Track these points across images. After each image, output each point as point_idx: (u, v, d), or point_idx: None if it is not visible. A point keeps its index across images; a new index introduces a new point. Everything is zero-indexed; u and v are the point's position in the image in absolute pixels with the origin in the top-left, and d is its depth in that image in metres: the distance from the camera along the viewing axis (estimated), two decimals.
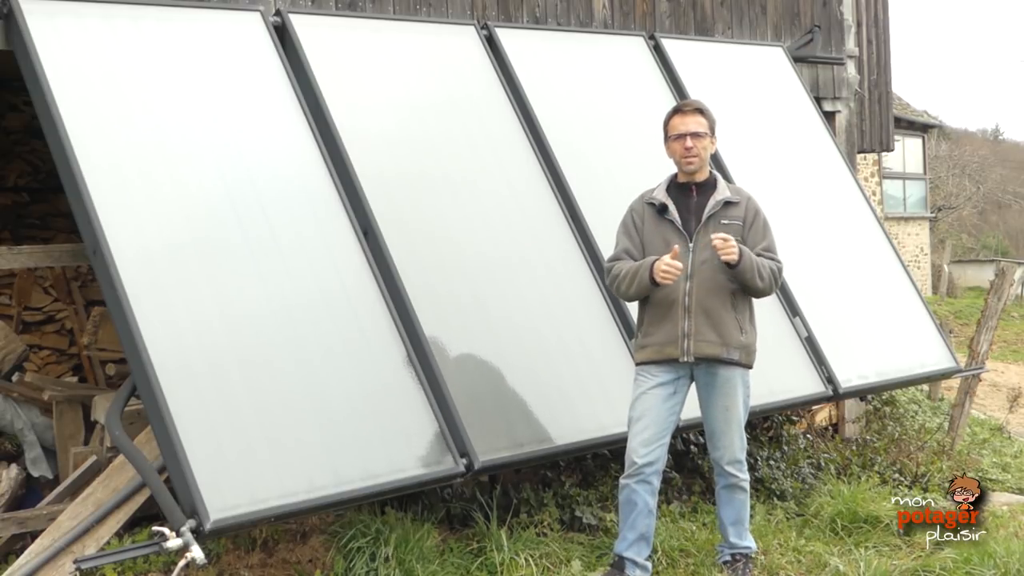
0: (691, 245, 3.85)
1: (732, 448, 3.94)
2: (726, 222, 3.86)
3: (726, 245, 3.71)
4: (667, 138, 3.96)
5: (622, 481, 3.90)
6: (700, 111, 3.93)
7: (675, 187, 3.97)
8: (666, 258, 3.72)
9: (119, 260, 3.57)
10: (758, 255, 3.83)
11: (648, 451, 3.83)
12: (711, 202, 3.89)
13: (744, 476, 3.99)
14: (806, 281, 5.31)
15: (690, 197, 3.93)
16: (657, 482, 3.89)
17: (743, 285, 3.81)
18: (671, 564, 4.24)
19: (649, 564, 3.96)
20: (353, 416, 3.73)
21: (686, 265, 3.81)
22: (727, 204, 3.90)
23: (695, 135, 3.87)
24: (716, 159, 4.75)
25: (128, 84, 3.99)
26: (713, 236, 3.75)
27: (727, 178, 5.08)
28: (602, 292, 4.60)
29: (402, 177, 4.44)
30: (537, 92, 5.06)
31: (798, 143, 6.02)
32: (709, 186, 3.94)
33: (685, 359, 3.81)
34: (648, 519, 3.89)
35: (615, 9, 5.90)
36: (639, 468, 3.83)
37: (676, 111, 3.98)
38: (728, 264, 3.74)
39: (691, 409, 3.98)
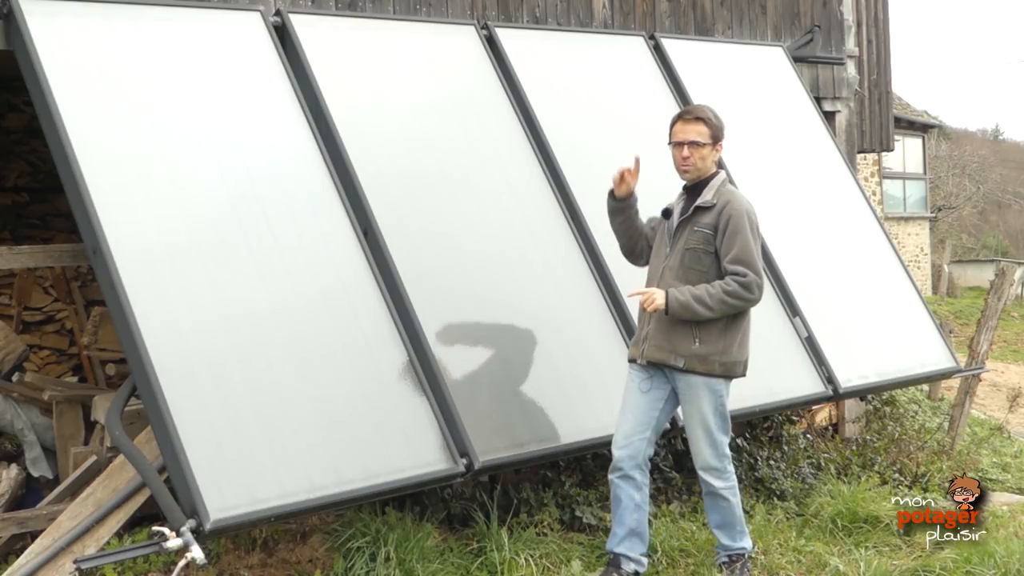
0: (667, 251, 3.89)
1: (702, 455, 3.91)
2: (697, 229, 3.86)
3: (648, 302, 3.75)
4: (670, 142, 3.98)
5: (608, 477, 3.97)
6: (702, 120, 3.89)
7: (684, 189, 4.04)
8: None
9: (119, 260, 3.57)
10: (723, 269, 3.78)
11: (626, 443, 3.89)
12: (690, 208, 3.90)
13: (721, 483, 3.91)
14: (806, 281, 5.31)
15: (684, 200, 3.97)
16: (640, 476, 3.90)
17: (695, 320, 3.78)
18: (671, 564, 4.24)
19: (645, 560, 3.96)
20: (353, 416, 3.73)
21: (659, 268, 3.89)
22: (699, 210, 3.86)
23: (692, 144, 3.87)
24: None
25: (128, 84, 3.99)
26: (639, 297, 3.80)
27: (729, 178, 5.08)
28: (601, 291, 4.60)
29: (402, 177, 4.44)
30: (537, 92, 5.05)
31: (798, 143, 6.02)
32: (698, 190, 3.93)
33: (640, 361, 3.90)
34: (636, 514, 3.91)
35: (615, 9, 5.90)
36: (617, 460, 3.90)
37: (679, 117, 3.97)
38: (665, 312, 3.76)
39: None
